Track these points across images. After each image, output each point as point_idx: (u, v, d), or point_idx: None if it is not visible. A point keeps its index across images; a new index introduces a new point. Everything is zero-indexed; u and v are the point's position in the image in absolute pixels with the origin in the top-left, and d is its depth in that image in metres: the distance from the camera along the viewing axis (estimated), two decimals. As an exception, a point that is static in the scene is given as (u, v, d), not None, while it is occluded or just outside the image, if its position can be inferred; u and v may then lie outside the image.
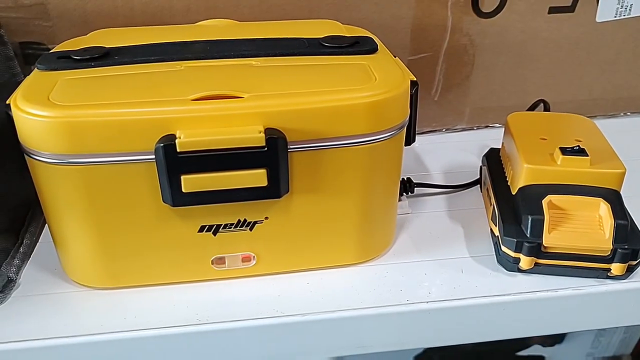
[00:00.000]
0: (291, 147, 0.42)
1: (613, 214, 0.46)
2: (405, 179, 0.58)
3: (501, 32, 0.66)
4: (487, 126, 0.73)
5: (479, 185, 0.61)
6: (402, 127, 0.46)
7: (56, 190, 0.42)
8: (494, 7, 0.64)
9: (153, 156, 0.40)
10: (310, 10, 0.60)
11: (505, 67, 0.69)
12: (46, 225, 0.47)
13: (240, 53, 0.47)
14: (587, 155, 0.48)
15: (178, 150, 0.39)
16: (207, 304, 0.46)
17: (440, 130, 0.72)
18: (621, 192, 0.48)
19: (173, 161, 0.40)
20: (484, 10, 0.64)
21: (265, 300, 0.46)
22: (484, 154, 0.60)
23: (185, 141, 0.39)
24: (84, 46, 0.49)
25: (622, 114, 0.76)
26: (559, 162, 0.48)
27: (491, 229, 0.52)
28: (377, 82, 0.43)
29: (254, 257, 0.47)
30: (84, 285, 0.47)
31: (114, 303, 0.46)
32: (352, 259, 0.50)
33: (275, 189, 0.42)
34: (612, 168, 0.48)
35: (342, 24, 0.56)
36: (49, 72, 0.45)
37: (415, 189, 0.58)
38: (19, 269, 0.49)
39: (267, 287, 0.47)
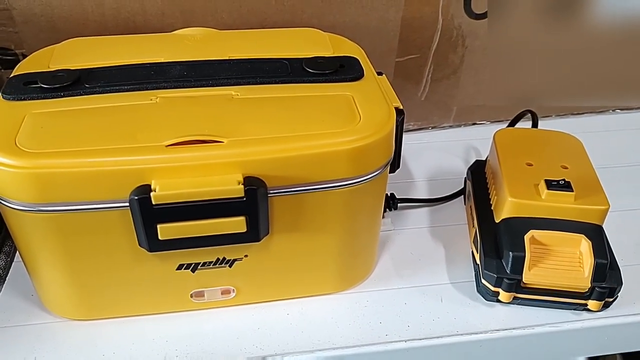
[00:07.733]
0: (271, 192, 0.41)
1: (594, 252, 0.46)
2: (389, 194, 0.57)
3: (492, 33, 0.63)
4: (474, 123, 0.71)
5: (462, 196, 0.61)
6: (386, 165, 0.44)
7: (27, 234, 0.41)
8: (487, 9, 0.61)
9: (127, 204, 0.39)
10: (292, 14, 0.57)
11: (494, 68, 0.66)
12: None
13: (220, 81, 0.45)
14: (572, 191, 0.47)
15: (153, 202, 0.38)
16: (186, 337, 0.46)
17: (426, 128, 0.70)
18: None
19: (148, 212, 0.38)
20: (476, 12, 0.61)
21: (246, 334, 0.46)
22: (468, 167, 0.59)
23: (161, 194, 0.38)
24: (53, 62, 0.46)
25: (610, 110, 0.74)
26: (543, 197, 0.48)
27: (472, 253, 0.52)
28: (362, 123, 0.42)
29: (233, 290, 0.47)
30: (61, 316, 0.47)
31: (92, 336, 0.46)
32: (333, 289, 0.49)
33: (255, 233, 0.41)
34: (596, 204, 0.48)
35: (326, 29, 0.54)
36: (16, 103, 0.43)
37: (398, 204, 0.58)
38: (-5, 295, 0.48)
39: (246, 318, 0.47)
